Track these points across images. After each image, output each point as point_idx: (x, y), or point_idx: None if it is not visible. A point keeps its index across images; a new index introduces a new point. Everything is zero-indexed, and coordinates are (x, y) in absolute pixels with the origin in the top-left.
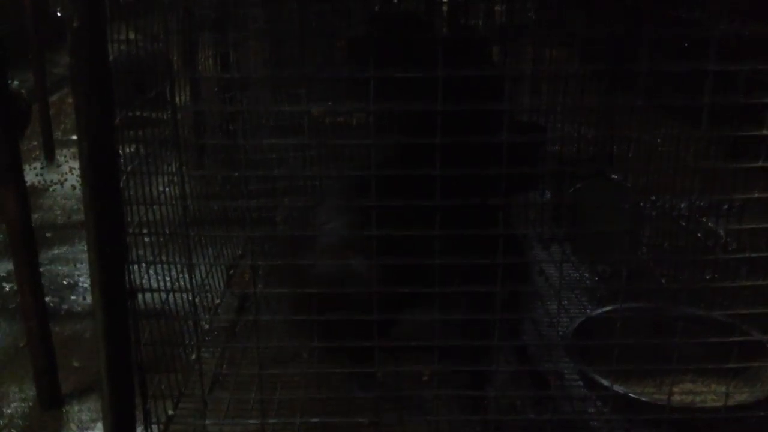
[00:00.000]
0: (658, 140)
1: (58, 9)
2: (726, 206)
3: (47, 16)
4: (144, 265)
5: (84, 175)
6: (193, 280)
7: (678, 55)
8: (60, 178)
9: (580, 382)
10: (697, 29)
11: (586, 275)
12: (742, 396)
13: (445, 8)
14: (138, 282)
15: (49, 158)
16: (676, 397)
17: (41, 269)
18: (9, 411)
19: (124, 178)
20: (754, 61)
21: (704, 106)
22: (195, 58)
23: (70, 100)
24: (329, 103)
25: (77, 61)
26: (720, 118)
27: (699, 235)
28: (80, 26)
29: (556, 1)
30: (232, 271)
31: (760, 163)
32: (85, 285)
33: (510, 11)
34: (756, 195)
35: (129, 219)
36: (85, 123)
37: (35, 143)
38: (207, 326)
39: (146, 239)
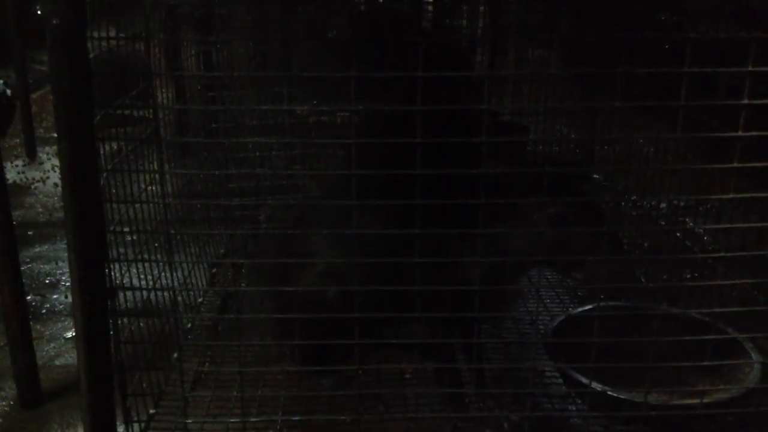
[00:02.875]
0: (640, 141)
1: (38, 7)
2: (707, 206)
3: (29, 12)
4: (125, 263)
5: (63, 175)
6: (175, 279)
7: (659, 58)
8: (42, 176)
9: (560, 380)
10: (675, 32)
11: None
12: (718, 393)
13: (430, 8)
14: (119, 280)
15: (31, 156)
16: (654, 395)
17: (22, 267)
18: None
19: (104, 176)
20: (737, 64)
21: (680, 108)
22: (178, 56)
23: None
24: (314, 102)
25: (57, 59)
26: (700, 119)
27: (678, 234)
28: (60, 24)
29: (540, 3)
30: (215, 270)
31: (734, 164)
32: (67, 283)
33: (494, 12)
34: (731, 196)
35: (110, 217)
36: (64, 122)
37: (17, 140)
38: (189, 325)
39: (128, 237)
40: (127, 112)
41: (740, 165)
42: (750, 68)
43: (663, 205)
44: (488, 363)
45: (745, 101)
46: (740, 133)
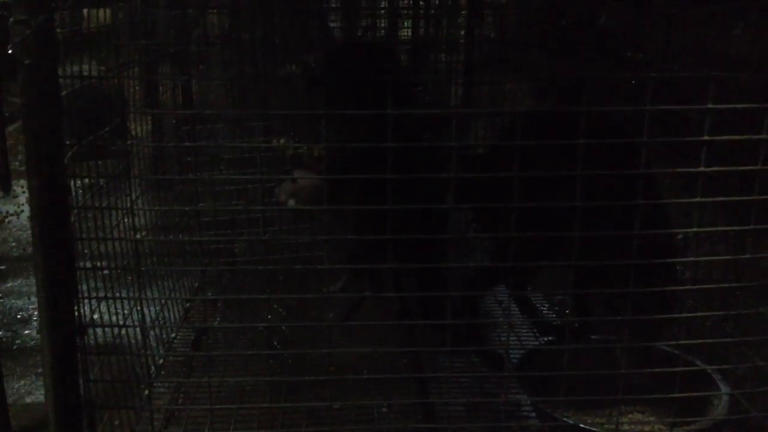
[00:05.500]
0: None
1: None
2: (680, 236)
3: (2, 45)
4: (96, 299)
5: (33, 212)
6: (145, 315)
7: (628, 94)
8: (16, 209)
9: (534, 414)
10: (638, 70)
11: (545, 306)
12: (689, 425)
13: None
14: (89, 317)
15: (6, 189)
16: (625, 427)
17: None
18: None
19: (75, 212)
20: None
21: (644, 145)
22: (154, 91)
23: None
24: (291, 134)
25: (28, 98)
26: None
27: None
28: (31, 64)
29: (515, 40)
30: (188, 305)
31: (709, 199)
32: None
33: (470, 49)
34: (694, 230)
35: (81, 252)
36: (35, 160)
37: None
38: (161, 361)
39: (103, 273)
40: (101, 144)
41: (703, 200)
42: (709, 105)
43: None
44: (463, 397)
45: (705, 137)
46: (702, 168)
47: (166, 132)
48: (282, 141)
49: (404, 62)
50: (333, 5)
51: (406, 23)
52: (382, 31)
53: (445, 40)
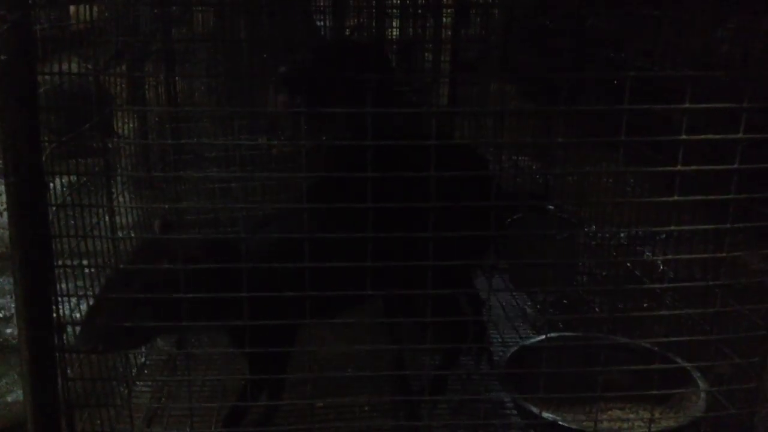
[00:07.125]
0: (589, 171)
1: None
2: (662, 236)
3: None
4: (75, 297)
5: (9, 210)
6: None
7: (612, 94)
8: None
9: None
10: (616, 70)
11: (528, 304)
12: (667, 422)
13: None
14: (69, 315)
15: None
16: (605, 424)
17: None
18: None
19: (54, 210)
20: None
21: (621, 143)
22: (139, 89)
23: None
24: (272, 134)
25: (4, 95)
26: (650, 154)
27: (628, 264)
28: (7, 60)
29: (501, 40)
30: None
31: (691, 197)
32: None
33: (455, 49)
34: (672, 228)
35: (60, 250)
36: (11, 157)
37: None
38: (144, 360)
39: (83, 271)
40: (85, 144)
41: (681, 198)
42: (687, 105)
43: (622, 235)
44: (447, 395)
45: (683, 137)
46: (679, 167)
47: (151, 130)
48: (267, 139)
49: (392, 62)
50: (321, 4)
51: (394, 23)
52: (371, 30)
53: (432, 39)
